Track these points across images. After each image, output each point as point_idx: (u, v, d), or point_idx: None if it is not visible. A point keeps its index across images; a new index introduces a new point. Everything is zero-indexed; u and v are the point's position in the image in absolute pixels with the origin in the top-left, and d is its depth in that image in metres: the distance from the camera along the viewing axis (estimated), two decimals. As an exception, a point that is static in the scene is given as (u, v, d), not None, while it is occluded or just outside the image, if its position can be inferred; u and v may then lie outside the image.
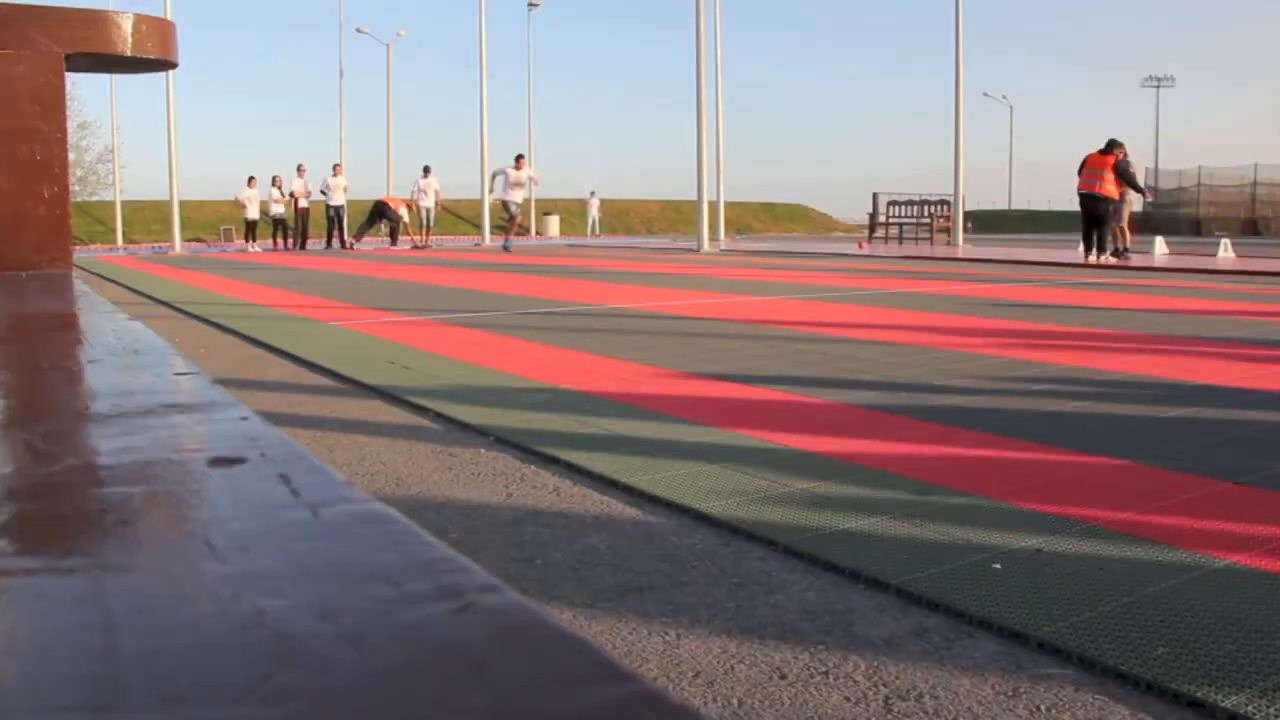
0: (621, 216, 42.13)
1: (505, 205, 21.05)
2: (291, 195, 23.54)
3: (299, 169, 23.67)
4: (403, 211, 24.80)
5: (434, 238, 26.19)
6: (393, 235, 25.09)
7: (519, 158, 20.93)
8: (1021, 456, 2.94)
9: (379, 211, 24.51)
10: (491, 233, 24.02)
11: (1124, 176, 14.84)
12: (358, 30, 39.45)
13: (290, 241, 23.95)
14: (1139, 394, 3.95)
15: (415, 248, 24.20)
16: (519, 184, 20.72)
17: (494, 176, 21.37)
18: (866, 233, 27.13)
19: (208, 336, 6.23)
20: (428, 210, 24.95)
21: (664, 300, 8.49)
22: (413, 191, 25.30)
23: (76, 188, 37.41)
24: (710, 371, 4.50)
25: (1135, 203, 15.84)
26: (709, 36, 21.88)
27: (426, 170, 25.22)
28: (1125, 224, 15.70)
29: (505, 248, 20.81)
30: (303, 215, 23.77)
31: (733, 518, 2.36)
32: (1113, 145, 14.89)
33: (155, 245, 27.69)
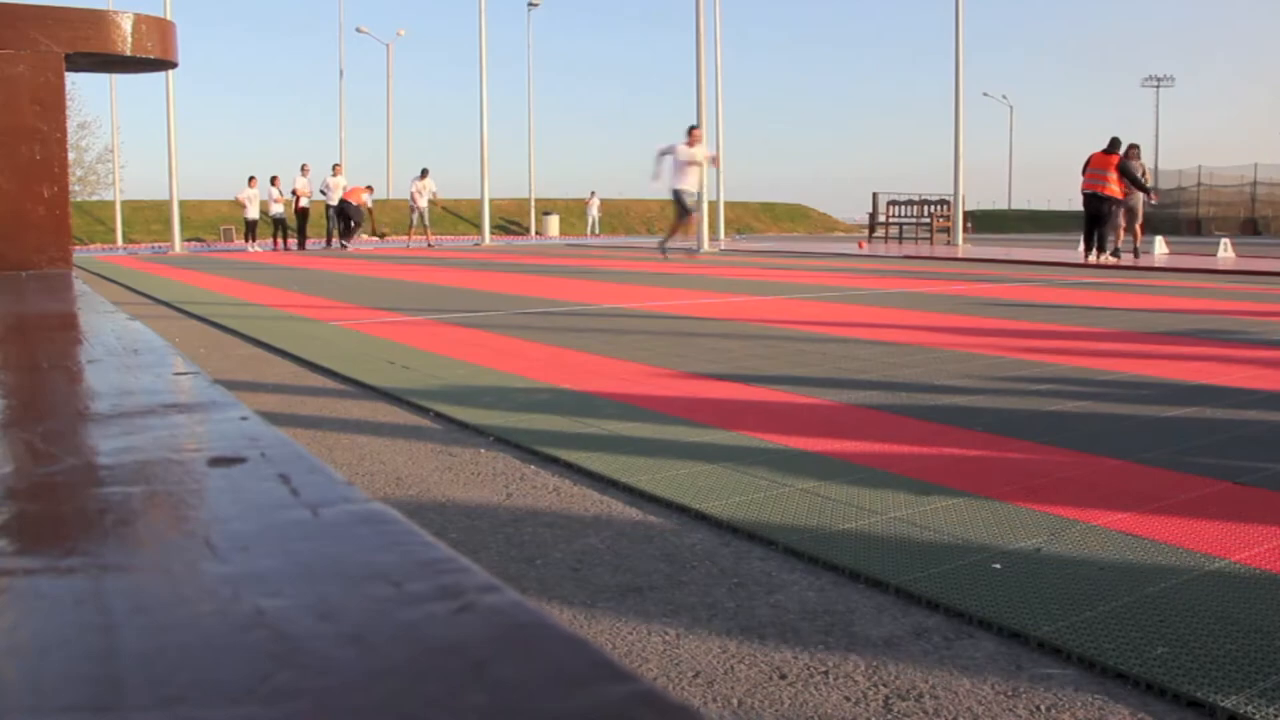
0: (621, 216, 42.12)
1: (677, 197, 15.13)
2: (294, 194, 23.48)
3: (303, 168, 23.64)
4: (365, 198, 24.15)
5: (434, 238, 26.15)
6: (351, 231, 23.76)
7: (692, 129, 15.54)
8: (1021, 456, 2.94)
9: (342, 214, 23.85)
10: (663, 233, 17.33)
11: (1127, 176, 14.87)
12: (358, 30, 39.54)
13: (290, 241, 23.91)
14: (1139, 394, 3.95)
15: (346, 241, 23.47)
16: (694, 163, 14.95)
17: (660, 157, 15.21)
18: (866, 233, 27.14)
19: (208, 336, 6.23)
20: (422, 211, 24.98)
21: (664, 300, 8.49)
22: (411, 193, 25.31)
23: (76, 188, 37.42)
24: (710, 371, 4.50)
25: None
26: (709, 36, 21.87)
27: (424, 172, 25.24)
28: (1139, 224, 15.76)
29: (663, 250, 15.56)
30: (302, 215, 23.66)
31: (733, 518, 2.36)
32: (1115, 144, 14.94)
33: (155, 245, 27.68)
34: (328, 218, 23.75)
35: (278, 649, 0.24)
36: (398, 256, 18.81)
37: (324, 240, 24.31)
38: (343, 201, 23.47)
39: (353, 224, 23.68)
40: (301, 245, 23.72)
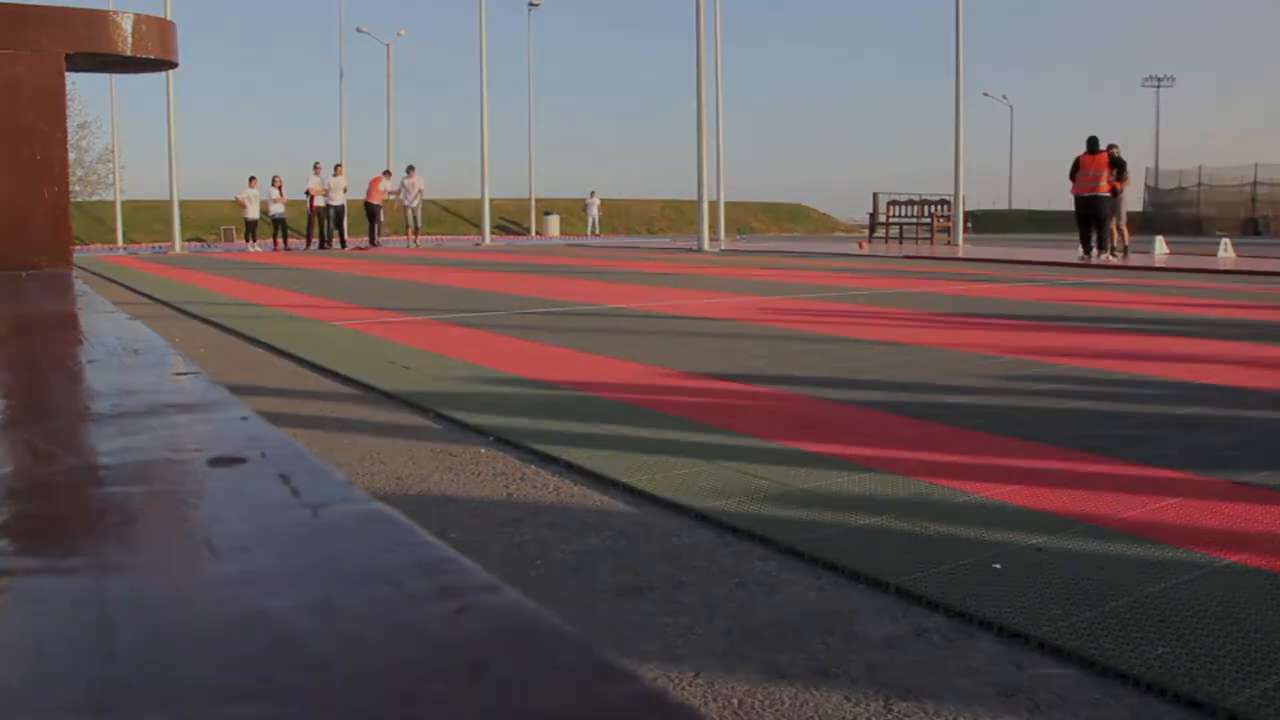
0: (621, 216, 42.12)
1: None
2: (308, 193, 23.34)
3: (315, 166, 23.43)
4: (384, 186, 23.66)
5: (427, 237, 25.94)
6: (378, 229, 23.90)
7: None
8: (1021, 456, 2.94)
9: (369, 214, 23.79)
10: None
11: (1117, 166, 14.93)
12: (358, 30, 39.47)
13: (290, 241, 23.80)
14: (1139, 394, 3.94)
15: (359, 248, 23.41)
16: None
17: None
18: (867, 233, 27.14)
19: (208, 336, 6.23)
20: (414, 210, 24.72)
21: (664, 300, 8.49)
22: (399, 191, 25.02)
23: (76, 188, 37.40)
24: (710, 371, 4.50)
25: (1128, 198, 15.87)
26: (709, 37, 21.88)
27: (410, 169, 24.93)
28: (1123, 223, 15.76)
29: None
30: (319, 214, 23.37)
31: (733, 518, 2.36)
32: (1096, 143, 15.01)
33: (155, 245, 27.67)
34: (326, 218, 23.60)
35: (278, 649, 0.24)
36: (399, 257, 18.80)
37: (303, 241, 23.97)
38: (367, 204, 23.54)
39: (377, 223, 23.68)
40: (307, 244, 23.53)
